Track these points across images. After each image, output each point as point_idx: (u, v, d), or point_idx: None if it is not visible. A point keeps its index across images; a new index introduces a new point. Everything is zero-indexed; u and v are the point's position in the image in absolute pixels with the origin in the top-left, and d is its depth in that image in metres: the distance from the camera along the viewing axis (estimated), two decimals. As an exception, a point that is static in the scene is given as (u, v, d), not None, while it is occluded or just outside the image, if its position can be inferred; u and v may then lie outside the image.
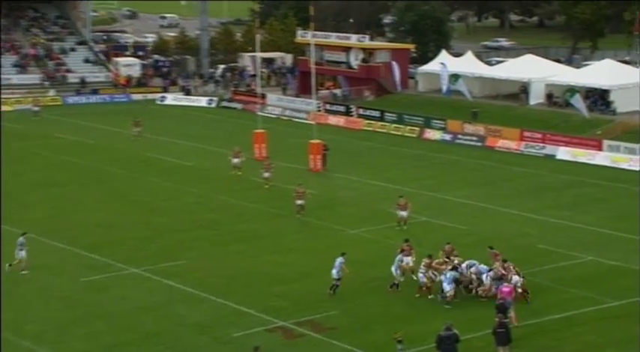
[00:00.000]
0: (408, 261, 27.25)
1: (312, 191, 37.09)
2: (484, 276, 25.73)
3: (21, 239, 28.79)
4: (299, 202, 34.96)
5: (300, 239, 32.76)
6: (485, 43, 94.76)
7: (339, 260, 26.45)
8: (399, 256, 26.90)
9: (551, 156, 47.39)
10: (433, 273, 26.20)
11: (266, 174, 40.04)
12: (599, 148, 47.13)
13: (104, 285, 27.85)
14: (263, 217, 35.62)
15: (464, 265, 26.16)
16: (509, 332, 21.89)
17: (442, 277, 25.84)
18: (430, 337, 22.88)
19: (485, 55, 77.80)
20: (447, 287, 25.45)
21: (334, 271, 26.36)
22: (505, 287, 24.21)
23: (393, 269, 26.77)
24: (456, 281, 25.73)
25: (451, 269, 25.78)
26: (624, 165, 44.81)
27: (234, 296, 26.69)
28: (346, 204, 37.49)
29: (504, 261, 26.02)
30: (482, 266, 26.12)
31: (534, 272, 26.62)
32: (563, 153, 47.40)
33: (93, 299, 26.64)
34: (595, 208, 36.60)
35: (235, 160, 42.71)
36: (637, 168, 44.23)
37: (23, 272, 28.42)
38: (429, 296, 26.04)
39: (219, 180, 41.98)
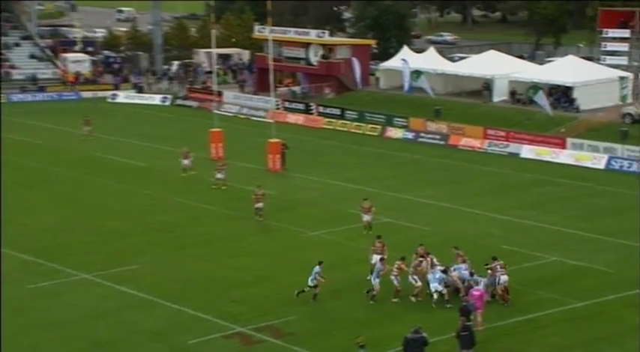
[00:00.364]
0: (378, 258, 27.43)
1: (271, 192, 37.02)
2: (480, 283, 25.69)
3: None
4: (258, 205, 34.82)
5: (259, 241, 32.68)
6: (430, 37, 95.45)
7: (316, 269, 26.25)
8: (379, 265, 26.31)
9: (515, 155, 47.99)
10: (413, 278, 26.08)
11: (219, 176, 39.75)
12: (563, 146, 47.88)
13: (53, 292, 27.45)
14: (220, 219, 35.46)
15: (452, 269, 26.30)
16: (472, 335, 22.10)
17: (430, 276, 25.87)
18: (394, 341, 22.99)
19: (448, 51, 78.50)
20: (440, 287, 25.56)
21: (309, 279, 26.23)
22: (475, 291, 24.40)
23: (372, 278, 26.25)
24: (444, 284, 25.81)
25: (442, 271, 25.98)
26: (588, 164, 45.58)
27: (190, 301, 26.52)
28: (306, 205, 37.49)
29: (494, 258, 26.28)
30: (464, 270, 26.18)
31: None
32: (527, 151, 48.04)
33: (40, 306, 26.24)
34: (559, 207, 37.16)
35: (185, 161, 42.33)
36: (601, 167, 45.04)
37: None
38: (412, 298, 25.87)
39: (174, 181, 41.68)
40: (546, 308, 25.74)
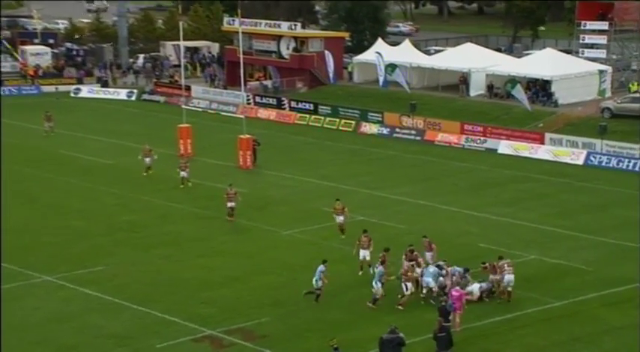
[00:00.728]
0: (366, 254, 27.97)
1: (242, 189, 36.93)
2: (474, 286, 26.06)
3: None
4: (230, 204, 34.67)
5: (229, 241, 32.61)
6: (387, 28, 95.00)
7: (320, 268, 26.20)
8: (379, 268, 26.22)
9: (493, 150, 48.33)
10: (406, 284, 26.01)
11: (183, 174, 39.47)
12: (541, 142, 48.29)
13: (14, 295, 27.17)
14: (189, 218, 35.33)
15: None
16: (450, 336, 22.23)
17: (424, 270, 26.12)
18: (369, 343, 23.08)
19: (424, 44, 78.77)
20: (432, 283, 25.80)
21: (314, 280, 26.21)
22: (455, 292, 24.56)
23: (373, 283, 26.12)
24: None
25: (436, 266, 26.33)
26: (566, 159, 46.02)
27: (158, 303, 26.40)
28: (278, 203, 37.46)
29: (500, 257, 26.64)
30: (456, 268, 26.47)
31: (476, 273, 27.08)
32: (505, 146, 48.38)
33: (1, 310, 25.94)
34: (537, 204, 37.49)
35: (147, 160, 41.99)
36: (579, 162, 45.50)
37: None
38: (399, 307, 25.68)
39: (141, 179, 41.43)
40: (525, 307, 25.97)
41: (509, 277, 26.00)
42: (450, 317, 23.56)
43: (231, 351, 23.58)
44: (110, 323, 25.13)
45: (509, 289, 26.14)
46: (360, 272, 28.39)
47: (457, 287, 25.04)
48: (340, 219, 32.36)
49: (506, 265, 26.18)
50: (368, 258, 28.16)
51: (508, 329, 24.66)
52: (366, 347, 23.18)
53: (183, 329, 24.64)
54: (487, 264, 26.96)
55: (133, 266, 29.71)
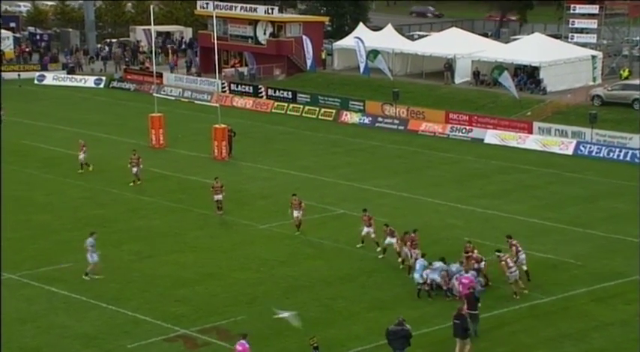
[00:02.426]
0: (370, 231, 29.68)
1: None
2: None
3: (90, 239, 28.25)
4: (217, 197, 34.62)
5: (203, 236, 32.56)
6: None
7: (421, 263, 26.60)
8: (420, 261, 26.71)
9: (479, 140, 48.54)
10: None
11: (134, 170, 38.81)
12: (530, 131, 48.55)
13: (-25, 294, 26.97)
14: (160, 212, 35.23)
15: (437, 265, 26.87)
16: (463, 323, 22.67)
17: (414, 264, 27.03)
18: (350, 341, 23.19)
19: (407, 29, 78.90)
20: (420, 280, 26.28)
21: (416, 275, 26.50)
22: (465, 279, 25.35)
23: (416, 276, 26.54)
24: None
25: (422, 256, 26.96)
26: (555, 149, 46.31)
27: (128, 302, 26.33)
28: (255, 196, 37.43)
29: (509, 236, 27.72)
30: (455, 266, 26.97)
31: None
32: (492, 136, 48.60)
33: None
34: (525, 196, 37.72)
35: (81, 156, 41.45)
36: (569, 152, 45.80)
37: (97, 277, 27.94)
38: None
39: (110, 170, 41.19)
40: (512, 303, 26.15)
41: (522, 256, 27.31)
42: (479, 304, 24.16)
43: (206, 351, 23.55)
44: (77, 323, 25.00)
45: (525, 268, 27.31)
46: (359, 245, 30.38)
47: (467, 274, 25.73)
48: (297, 214, 32.27)
49: (517, 245, 27.49)
50: (373, 235, 30.04)
51: (495, 325, 24.83)
52: (348, 345, 23.27)
53: (155, 328, 24.58)
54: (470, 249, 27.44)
55: (101, 263, 29.53)
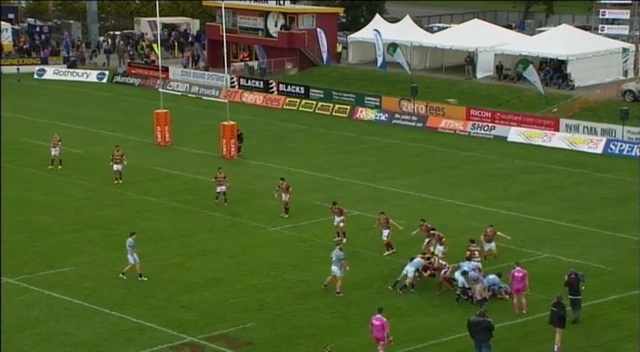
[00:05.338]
0: (385, 234, 30.34)
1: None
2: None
3: (130, 240, 28.51)
4: (219, 189, 35.29)
5: (211, 239, 32.64)
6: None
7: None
8: (418, 260, 27.52)
9: (502, 138, 48.46)
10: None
11: (116, 167, 38.77)
12: (556, 128, 48.44)
13: (-28, 300, 27.15)
14: (167, 214, 35.34)
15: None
16: (560, 312, 23.31)
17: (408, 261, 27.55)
18: (364, 350, 23.22)
19: (426, 21, 78.86)
20: (411, 274, 26.89)
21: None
22: (517, 272, 25.88)
23: (410, 270, 27.23)
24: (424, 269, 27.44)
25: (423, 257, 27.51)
26: (584, 148, 46.18)
27: (133, 308, 26.42)
28: (265, 197, 37.45)
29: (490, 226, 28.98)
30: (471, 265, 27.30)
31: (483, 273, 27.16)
32: (515, 134, 48.53)
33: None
34: (551, 197, 37.62)
35: (54, 151, 41.47)
36: (598, 151, 45.66)
37: (143, 278, 28.29)
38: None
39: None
40: (537, 311, 26.05)
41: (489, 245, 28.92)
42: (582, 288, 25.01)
43: (214, 360, 23.65)
44: (79, 330, 25.09)
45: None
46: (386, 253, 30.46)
47: (518, 268, 26.06)
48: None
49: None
50: (385, 238, 30.62)
51: (520, 334, 24.77)
52: (363, 354, 23.29)
53: (160, 335, 24.65)
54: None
55: (104, 267, 29.69)
